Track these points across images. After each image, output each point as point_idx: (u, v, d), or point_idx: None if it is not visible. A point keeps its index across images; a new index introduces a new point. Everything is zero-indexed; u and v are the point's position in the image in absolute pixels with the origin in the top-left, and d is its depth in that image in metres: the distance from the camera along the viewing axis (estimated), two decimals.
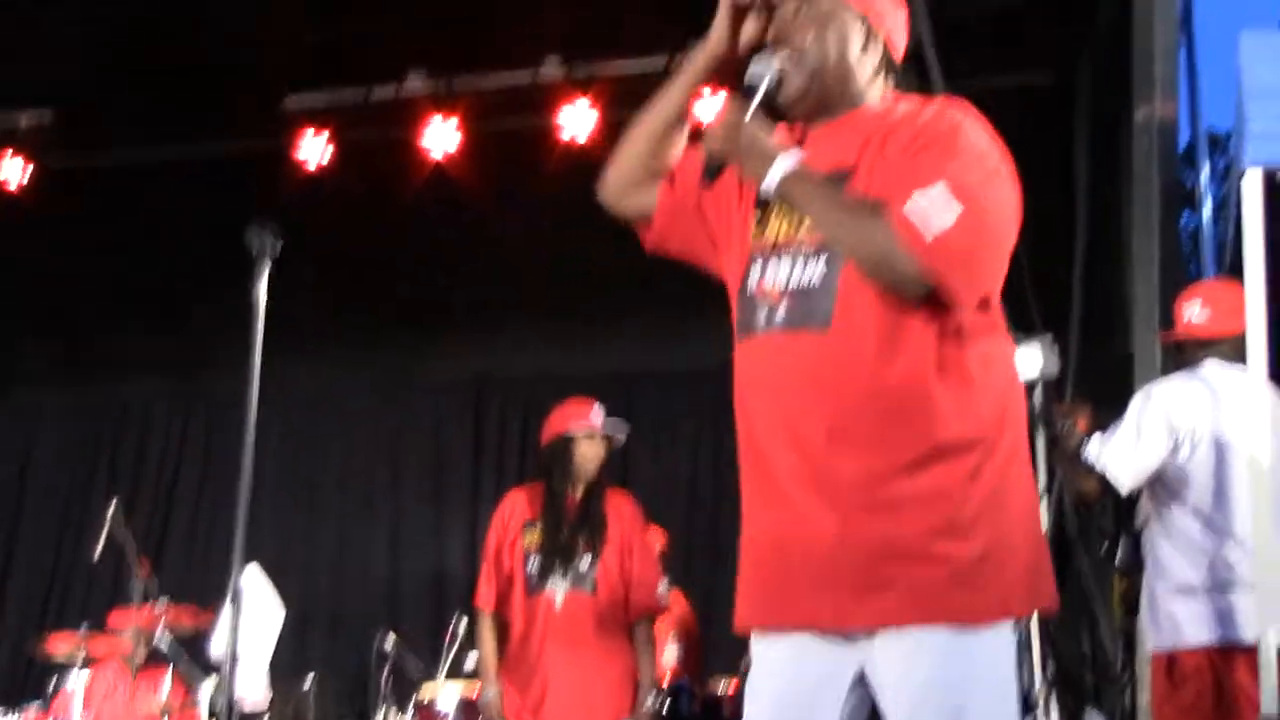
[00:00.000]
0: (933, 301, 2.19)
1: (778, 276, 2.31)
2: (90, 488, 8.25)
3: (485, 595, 4.83)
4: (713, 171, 2.33)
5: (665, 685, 5.31)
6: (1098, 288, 5.76)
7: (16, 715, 6.27)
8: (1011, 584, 2.21)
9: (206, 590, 6.87)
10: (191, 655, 6.20)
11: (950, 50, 4.95)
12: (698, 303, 8.02)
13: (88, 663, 6.18)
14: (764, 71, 2.34)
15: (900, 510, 2.17)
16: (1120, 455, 3.75)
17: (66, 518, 8.30)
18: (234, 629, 3.34)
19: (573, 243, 7.41)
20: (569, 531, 4.76)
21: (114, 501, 6.48)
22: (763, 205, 2.37)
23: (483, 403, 8.11)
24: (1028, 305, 5.52)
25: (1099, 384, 5.11)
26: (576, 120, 7.11)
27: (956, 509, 2.17)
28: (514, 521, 4.86)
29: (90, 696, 6.21)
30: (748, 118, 2.30)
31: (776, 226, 2.35)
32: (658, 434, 7.75)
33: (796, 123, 2.42)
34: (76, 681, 6.12)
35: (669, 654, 6.14)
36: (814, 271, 2.27)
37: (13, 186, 7.78)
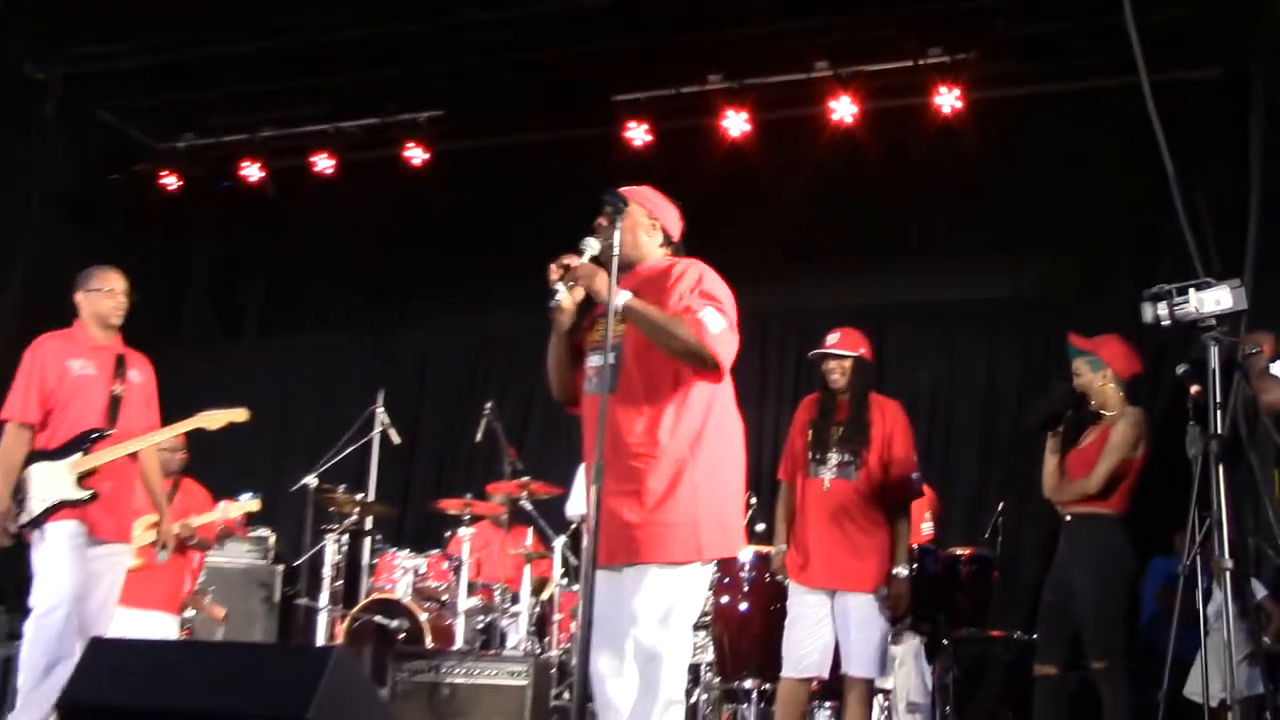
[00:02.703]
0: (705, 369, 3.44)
1: (590, 363, 3.59)
2: (470, 393, 8.72)
3: (783, 469, 5.13)
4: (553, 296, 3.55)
5: (916, 548, 5.30)
6: (1271, 243, 5.88)
7: (423, 558, 6.94)
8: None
9: (556, 470, 7.45)
10: (547, 517, 6.83)
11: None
12: (932, 250, 8.35)
13: (472, 520, 6.89)
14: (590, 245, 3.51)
15: None
16: None
17: (454, 413, 8.82)
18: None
19: (835, 206, 7.88)
20: (833, 430, 4.97)
21: (489, 403, 7.12)
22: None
23: (768, 331, 8.26)
24: (1211, 257, 5.75)
25: (1276, 320, 5.28)
26: (843, 110, 7.33)
27: None
28: (803, 418, 5.08)
29: (474, 545, 6.83)
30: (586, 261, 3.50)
31: (590, 336, 3.63)
32: (901, 355, 7.92)
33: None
34: (464, 533, 6.75)
35: (926, 528, 6.29)
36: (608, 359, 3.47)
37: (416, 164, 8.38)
